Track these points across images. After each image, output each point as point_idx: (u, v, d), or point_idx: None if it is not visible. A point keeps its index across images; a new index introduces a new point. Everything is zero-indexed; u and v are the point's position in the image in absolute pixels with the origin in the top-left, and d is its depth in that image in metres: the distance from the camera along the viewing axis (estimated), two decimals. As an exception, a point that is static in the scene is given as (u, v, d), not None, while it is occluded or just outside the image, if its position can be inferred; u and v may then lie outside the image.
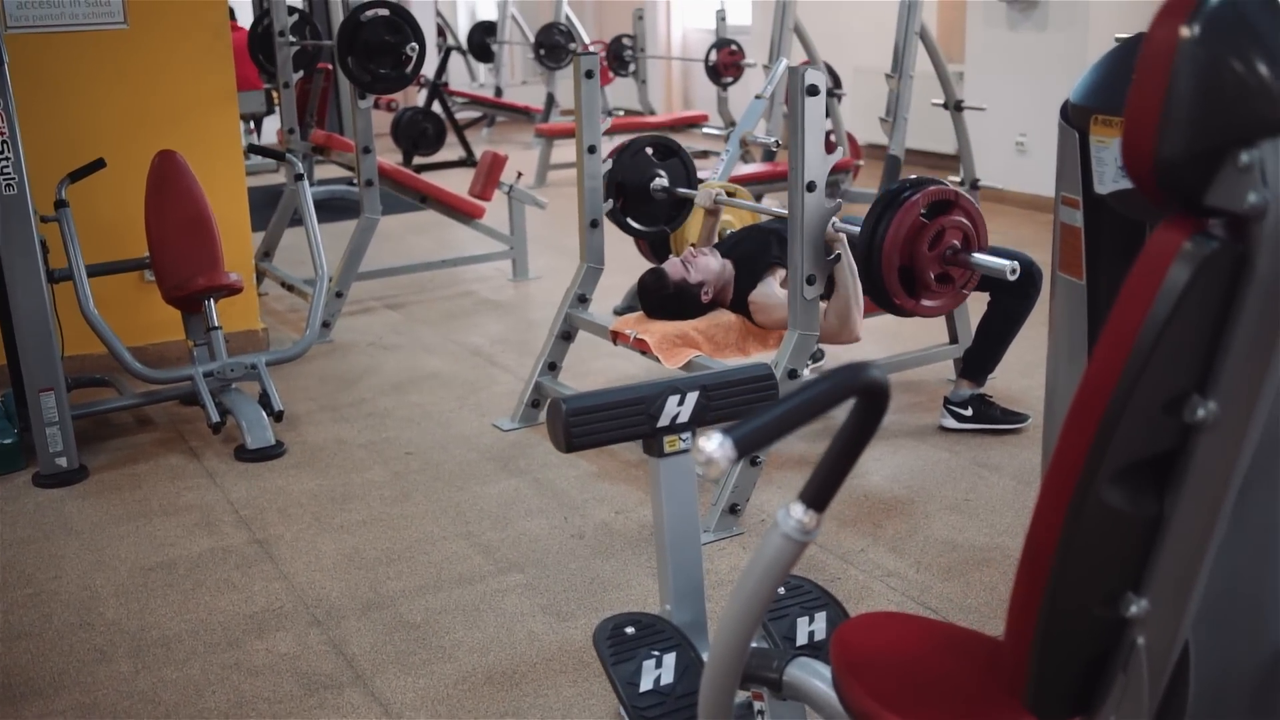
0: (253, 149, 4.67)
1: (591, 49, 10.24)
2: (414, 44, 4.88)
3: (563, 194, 8.03)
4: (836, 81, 7.52)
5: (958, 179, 6.98)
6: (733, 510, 3.25)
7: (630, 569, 3.07)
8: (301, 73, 6.25)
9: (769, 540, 1.45)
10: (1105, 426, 1.25)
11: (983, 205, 7.12)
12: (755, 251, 3.69)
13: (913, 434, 3.93)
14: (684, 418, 2.20)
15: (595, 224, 4.01)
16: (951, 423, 3.92)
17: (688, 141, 9.99)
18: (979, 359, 3.94)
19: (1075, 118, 2.07)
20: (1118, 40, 6.50)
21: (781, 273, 3.65)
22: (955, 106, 6.83)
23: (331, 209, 7.84)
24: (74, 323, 4.08)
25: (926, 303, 3.16)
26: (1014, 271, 3.03)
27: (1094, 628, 1.35)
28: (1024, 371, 4.31)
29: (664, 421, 2.18)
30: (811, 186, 3.14)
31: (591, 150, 3.93)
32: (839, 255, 3.30)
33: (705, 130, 6.66)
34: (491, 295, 5.90)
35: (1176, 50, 1.19)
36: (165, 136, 4.60)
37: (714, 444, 1.24)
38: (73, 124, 4.53)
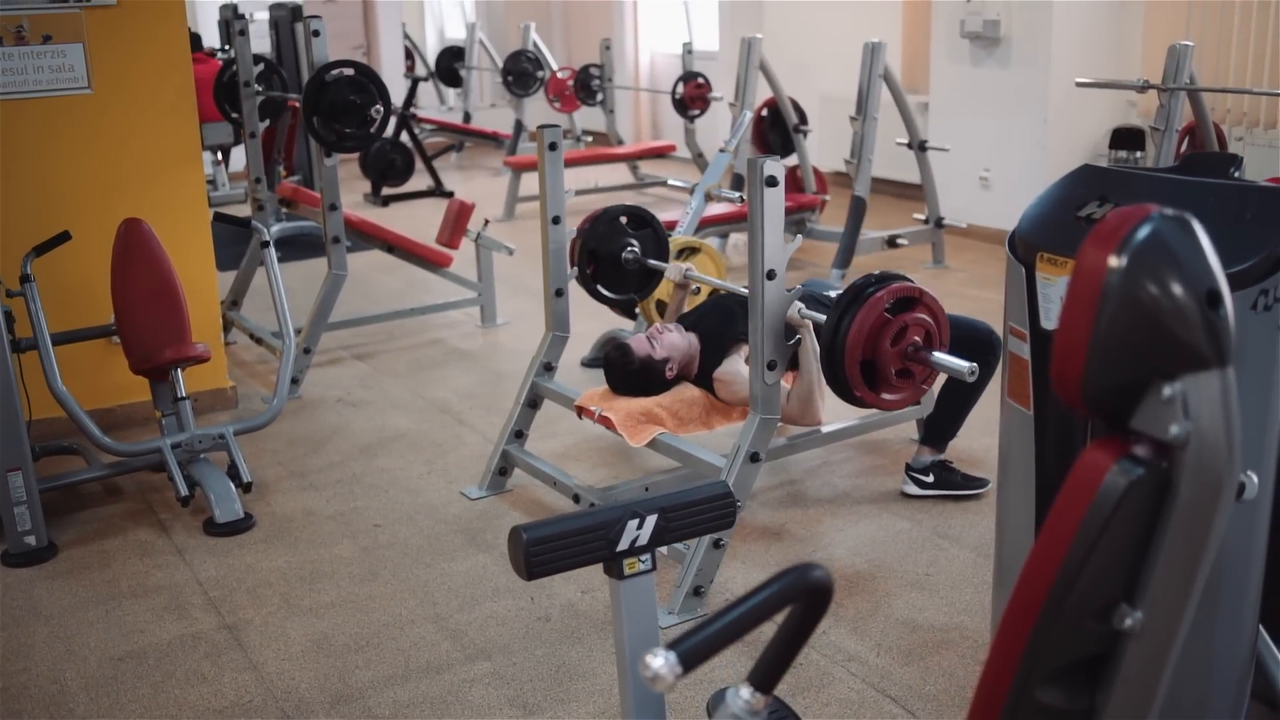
0: (218, 217, 4.68)
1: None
2: (379, 106, 4.91)
3: (530, 228, 8.00)
4: (802, 118, 7.58)
5: (922, 217, 7.08)
6: (697, 593, 3.29)
7: (596, 655, 3.11)
8: (268, 121, 6.26)
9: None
10: (1037, 635, 1.30)
11: (948, 241, 7.25)
12: (721, 327, 3.74)
13: (875, 500, 3.98)
14: (643, 540, 2.24)
15: (560, 293, 4.05)
16: (913, 489, 3.98)
17: (656, 168, 10.06)
18: (940, 426, 4.00)
19: (1022, 252, 2.13)
20: (1079, 85, 6.53)
21: (746, 349, 3.69)
22: (920, 146, 6.93)
23: (298, 246, 7.84)
24: (41, 387, 4.07)
25: (886, 396, 3.23)
26: (973, 373, 3.09)
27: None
28: (985, 429, 4.37)
29: (623, 545, 2.21)
30: (772, 275, 3.19)
31: (555, 221, 3.97)
32: (800, 339, 3.36)
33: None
34: (460, 344, 5.93)
35: (1104, 282, 1.23)
36: (131, 200, 4.61)
37: (660, 660, 1.29)
38: (38, 191, 4.54)
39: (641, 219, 4.17)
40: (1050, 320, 2.06)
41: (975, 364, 3.08)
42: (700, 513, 2.29)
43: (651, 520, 2.24)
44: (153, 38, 4.64)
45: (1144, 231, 1.24)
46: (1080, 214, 2.08)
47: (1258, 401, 1.90)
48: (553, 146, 3.93)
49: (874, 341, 3.12)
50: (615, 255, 4.11)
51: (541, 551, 2.17)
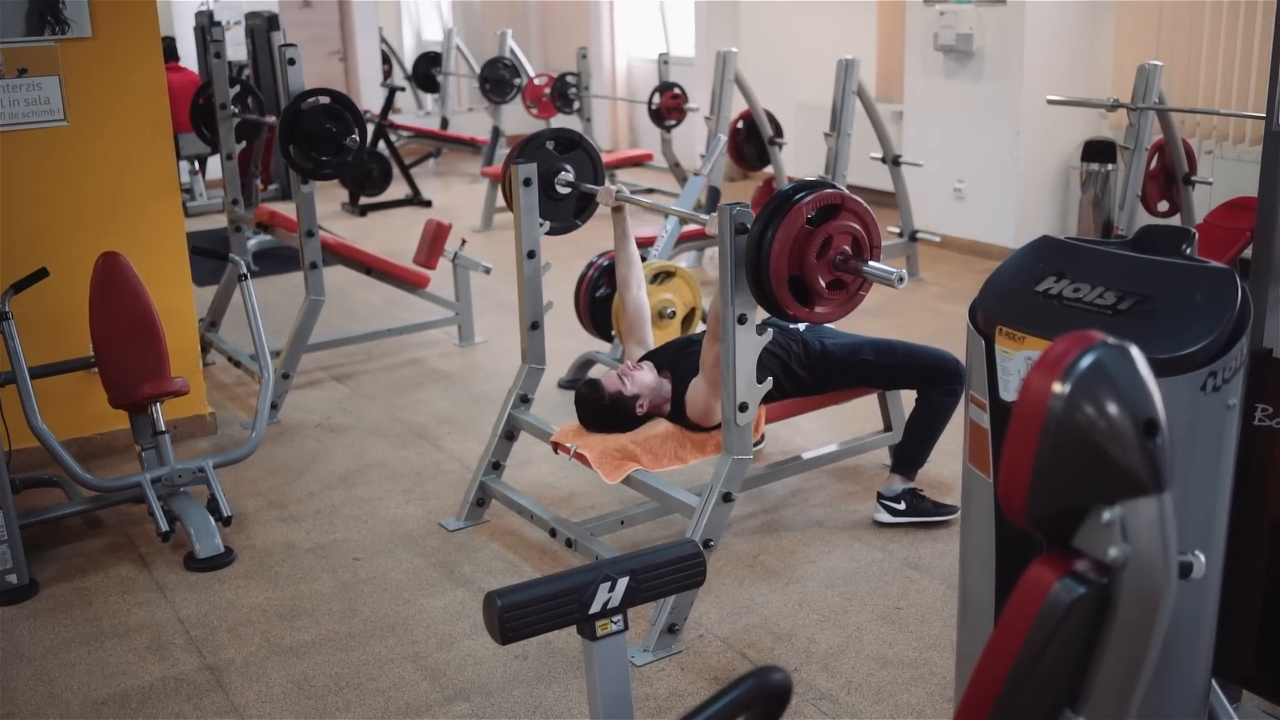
0: (196, 251, 4.70)
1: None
2: (354, 137, 4.94)
3: (508, 238, 8.06)
4: (778, 130, 7.64)
5: (896, 229, 7.15)
6: (671, 630, 3.35)
7: (572, 694, 3.17)
8: (244, 143, 6.28)
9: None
10: (986, 743, 1.36)
11: (922, 253, 7.31)
12: (694, 368, 3.78)
13: (847, 528, 4.05)
14: (615, 602, 2.29)
15: (535, 326, 4.09)
16: (885, 517, 4.05)
17: (634, 177, 10.10)
18: (909, 454, 4.08)
19: (982, 324, 2.18)
20: (1050, 102, 6.59)
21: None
22: (894, 161, 6.99)
23: (276, 259, 7.87)
24: (20, 417, 4.08)
25: (820, 309, 3.19)
26: (901, 280, 3.03)
27: None
28: (956, 454, 4.43)
29: (595, 608, 2.28)
30: (743, 319, 3.24)
31: (530, 255, 4.01)
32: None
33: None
34: (438, 364, 5.97)
35: (1047, 409, 1.29)
36: (108, 232, 4.64)
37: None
38: (14, 224, 4.56)
39: (570, 141, 4.16)
40: (1009, 392, 2.12)
41: (903, 270, 3.02)
42: (671, 572, 2.35)
43: (623, 583, 2.30)
44: (129, 70, 4.66)
45: (1087, 360, 1.29)
46: (1038, 288, 2.14)
47: (1208, 481, 1.96)
48: (527, 183, 3.97)
49: (799, 257, 3.07)
50: (549, 183, 4.10)
51: (515, 617, 2.22)
